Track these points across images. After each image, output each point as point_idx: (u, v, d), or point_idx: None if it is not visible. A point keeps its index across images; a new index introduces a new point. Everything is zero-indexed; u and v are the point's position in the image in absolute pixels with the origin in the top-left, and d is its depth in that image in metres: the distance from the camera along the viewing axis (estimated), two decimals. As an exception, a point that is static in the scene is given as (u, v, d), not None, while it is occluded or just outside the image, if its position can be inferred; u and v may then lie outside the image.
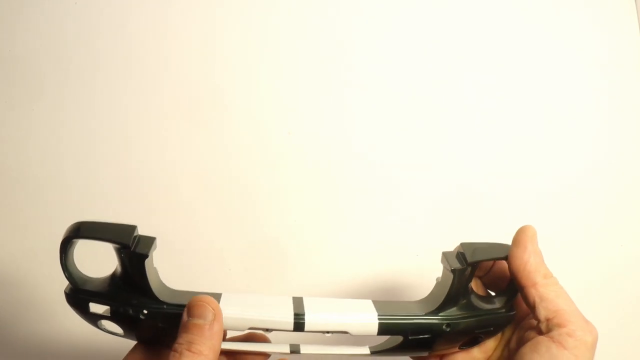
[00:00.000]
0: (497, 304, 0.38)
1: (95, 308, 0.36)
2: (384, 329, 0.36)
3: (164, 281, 0.38)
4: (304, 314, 0.36)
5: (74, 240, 0.36)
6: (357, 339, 0.37)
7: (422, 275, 0.51)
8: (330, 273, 0.52)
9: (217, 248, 0.52)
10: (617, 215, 0.55)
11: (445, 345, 0.38)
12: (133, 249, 0.35)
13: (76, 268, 0.37)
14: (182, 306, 0.35)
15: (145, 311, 0.35)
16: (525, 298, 0.37)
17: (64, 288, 0.37)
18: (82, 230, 0.36)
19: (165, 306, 0.35)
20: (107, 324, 0.37)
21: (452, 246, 0.41)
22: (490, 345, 0.39)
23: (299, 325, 0.36)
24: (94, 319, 0.36)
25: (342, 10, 0.55)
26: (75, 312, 0.36)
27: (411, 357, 0.41)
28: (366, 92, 0.54)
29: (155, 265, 0.38)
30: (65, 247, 0.36)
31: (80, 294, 0.36)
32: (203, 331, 0.33)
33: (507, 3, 0.56)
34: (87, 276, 0.37)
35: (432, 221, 0.53)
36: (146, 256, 0.35)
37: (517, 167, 0.54)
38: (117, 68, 0.52)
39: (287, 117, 0.53)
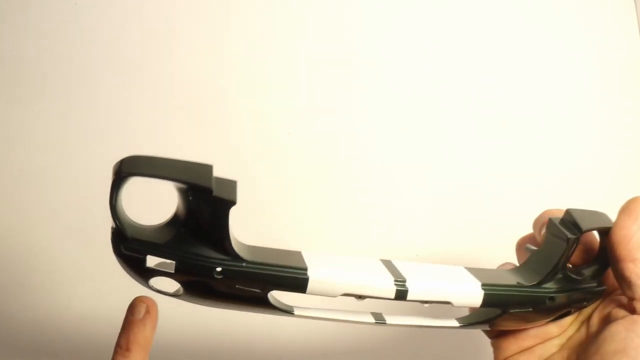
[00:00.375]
0: (587, 277, 0.35)
1: (150, 262, 0.30)
2: (487, 301, 0.32)
3: None
4: (404, 281, 0.31)
5: (130, 178, 0.28)
6: (436, 310, 0.34)
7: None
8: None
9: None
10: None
11: (539, 319, 0.35)
12: (216, 193, 0.29)
13: (125, 213, 0.30)
14: (263, 265, 0.30)
15: (219, 269, 0.29)
16: (619, 273, 0.33)
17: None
18: (144, 165, 0.28)
19: (244, 264, 0.30)
20: (160, 281, 0.31)
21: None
22: (567, 319, 0.36)
23: (401, 294, 0.31)
24: (147, 275, 0.30)
25: (342, 11, 0.55)
26: (124, 266, 0.30)
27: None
28: (366, 92, 0.54)
29: None
30: (119, 185, 0.28)
31: (136, 245, 0.29)
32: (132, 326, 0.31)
33: (507, 3, 0.56)
34: (139, 223, 0.30)
35: (432, 221, 0.53)
36: (233, 203, 0.29)
37: (517, 167, 0.55)
38: (119, 68, 0.53)
39: (287, 117, 0.53)
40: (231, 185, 0.30)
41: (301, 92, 0.54)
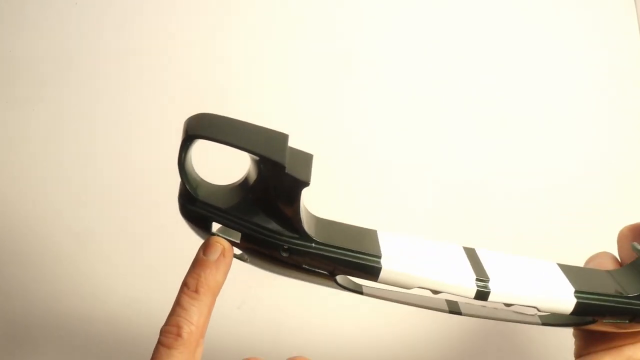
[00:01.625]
0: None
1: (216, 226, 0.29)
2: (579, 309, 0.29)
3: None
4: (487, 280, 0.28)
5: (197, 140, 0.27)
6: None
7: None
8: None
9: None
10: (617, 215, 0.55)
11: (634, 328, 0.32)
12: (289, 171, 0.26)
13: (196, 172, 0.29)
14: (333, 248, 0.28)
15: (285, 246, 0.28)
16: None
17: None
18: (212, 128, 0.27)
19: (313, 244, 0.28)
20: None
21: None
22: None
23: (481, 295, 0.28)
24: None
25: (342, 11, 0.55)
26: (190, 226, 0.29)
27: None
28: (366, 91, 0.54)
29: None
30: (186, 146, 0.27)
31: (202, 208, 0.28)
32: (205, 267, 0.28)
33: (507, 3, 0.56)
34: (208, 182, 0.29)
35: (432, 221, 0.53)
36: (306, 184, 0.27)
37: (517, 166, 0.54)
38: (118, 68, 0.53)
39: (287, 117, 0.53)
40: (306, 160, 0.28)
41: (301, 92, 0.54)
